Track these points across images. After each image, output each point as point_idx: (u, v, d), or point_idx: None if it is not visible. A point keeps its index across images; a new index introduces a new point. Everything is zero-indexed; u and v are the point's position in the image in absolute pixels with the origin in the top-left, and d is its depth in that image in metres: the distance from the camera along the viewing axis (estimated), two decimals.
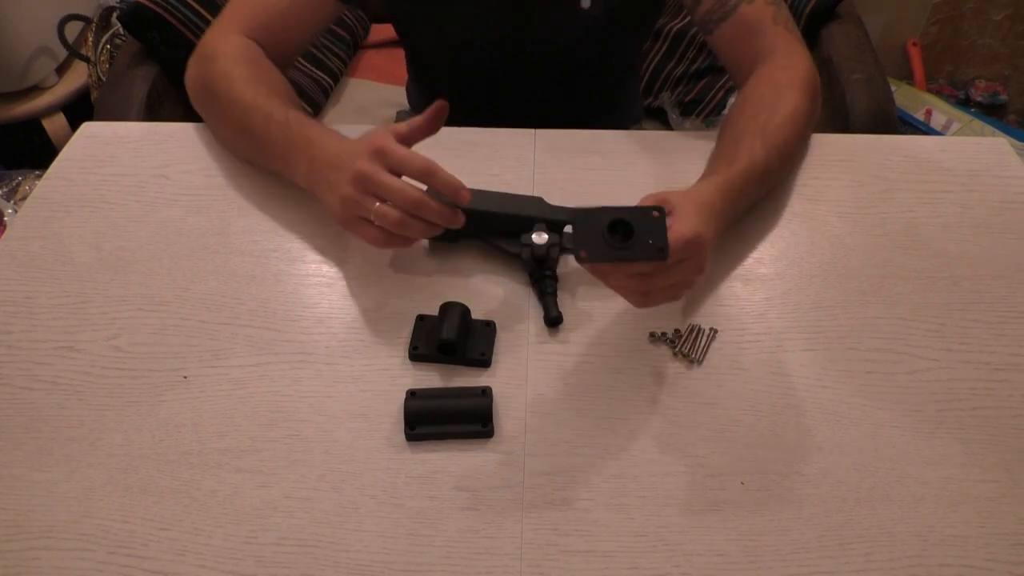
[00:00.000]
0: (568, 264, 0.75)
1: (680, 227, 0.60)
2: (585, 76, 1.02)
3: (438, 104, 0.69)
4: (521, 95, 1.01)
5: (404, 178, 0.66)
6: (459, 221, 0.67)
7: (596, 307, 0.71)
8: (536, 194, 0.80)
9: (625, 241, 0.57)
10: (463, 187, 0.65)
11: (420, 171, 0.65)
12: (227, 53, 0.82)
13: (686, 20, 1.42)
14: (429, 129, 0.69)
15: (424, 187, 0.66)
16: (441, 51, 1.00)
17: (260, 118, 0.77)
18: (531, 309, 0.72)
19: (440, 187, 0.65)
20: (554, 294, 0.70)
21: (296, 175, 0.75)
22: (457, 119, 0.93)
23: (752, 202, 0.76)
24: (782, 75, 0.80)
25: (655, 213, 0.57)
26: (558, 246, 0.71)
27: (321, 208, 0.80)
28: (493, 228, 0.74)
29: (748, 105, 0.78)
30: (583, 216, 0.57)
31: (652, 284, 0.61)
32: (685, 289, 0.65)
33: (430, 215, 0.66)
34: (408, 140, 0.68)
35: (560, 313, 0.69)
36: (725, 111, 1.39)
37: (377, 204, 0.65)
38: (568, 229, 0.74)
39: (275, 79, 0.82)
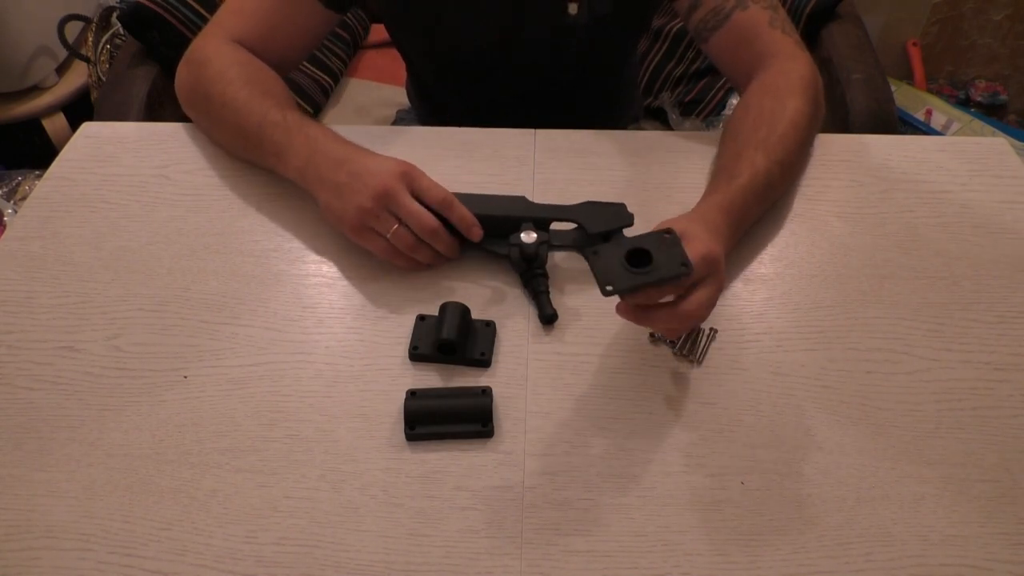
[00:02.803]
0: (557, 260, 0.75)
1: (694, 247, 0.59)
2: (578, 79, 1.01)
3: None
4: (516, 97, 1.01)
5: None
6: (456, 255, 0.74)
7: (589, 302, 0.71)
8: (534, 194, 0.80)
9: (645, 267, 0.56)
10: (476, 224, 0.71)
11: (440, 202, 0.70)
12: (220, 57, 0.82)
13: None
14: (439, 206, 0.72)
15: None
16: (431, 56, 1.00)
17: (255, 118, 0.77)
18: (531, 309, 0.72)
19: (456, 220, 0.71)
20: (547, 292, 0.71)
21: (289, 168, 0.76)
22: (456, 119, 0.93)
23: (756, 217, 0.75)
24: (782, 81, 0.79)
25: (666, 235, 0.57)
26: (546, 244, 0.71)
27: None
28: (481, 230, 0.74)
29: (749, 117, 0.77)
30: (597, 250, 0.57)
31: (687, 313, 0.60)
32: (710, 310, 0.64)
33: (440, 246, 0.71)
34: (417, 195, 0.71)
35: (555, 311, 0.70)
36: (725, 111, 1.39)
37: (395, 226, 0.70)
38: (554, 226, 0.74)
39: (269, 79, 0.82)
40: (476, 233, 0.72)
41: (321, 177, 0.72)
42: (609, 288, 0.56)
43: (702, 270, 0.59)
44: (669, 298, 0.60)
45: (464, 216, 0.71)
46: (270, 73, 0.83)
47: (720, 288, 0.62)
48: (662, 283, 0.57)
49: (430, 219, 0.70)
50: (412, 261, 0.73)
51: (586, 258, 0.57)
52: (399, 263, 0.73)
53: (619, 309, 0.60)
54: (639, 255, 0.57)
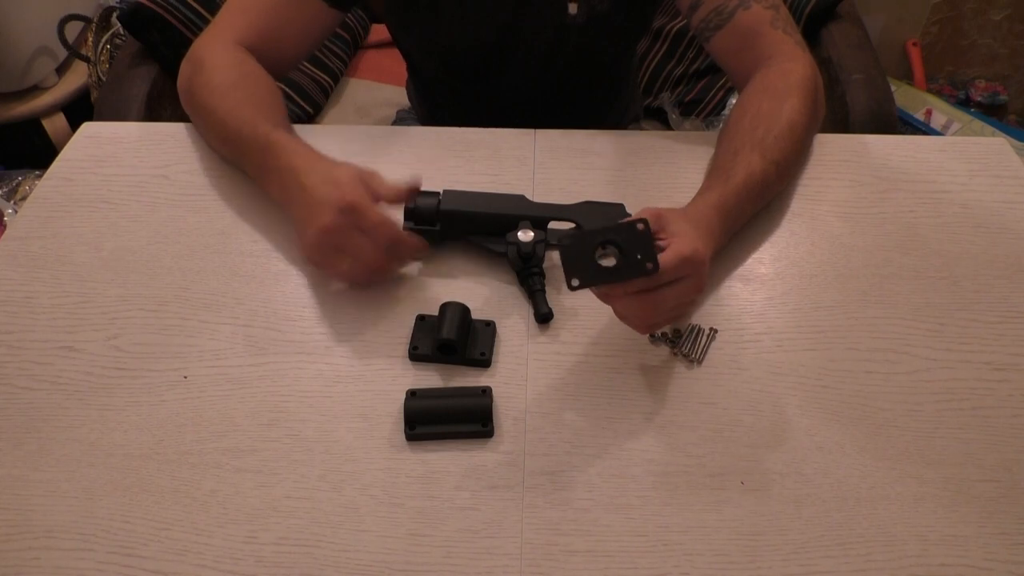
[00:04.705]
0: (556, 259, 0.75)
1: (678, 245, 0.59)
2: (578, 78, 1.01)
3: (414, 185, 0.73)
4: (516, 97, 1.01)
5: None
6: (424, 248, 0.72)
7: (589, 302, 0.71)
8: (534, 194, 0.80)
9: (615, 259, 0.57)
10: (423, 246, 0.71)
11: (387, 240, 0.67)
12: (213, 62, 0.81)
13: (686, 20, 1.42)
14: (400, 200, 0.72)
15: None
16: (432, 55, 1.00)
17: (234, 131, 0.77)
18: (531, 309, 0.72)
19: (403, 253, 0.70)
20: (543, 290, 0.71)
21: (270, 193, 0.75)
22: (456, 119, 0.93)
23: (749, 216, 0.75)
24: (781, 81, 0.79)
25: (640, 226, 0.57)
26: (543, 243, 0.72)
27: None
28: (478, 228, 0.74)
29: (746, 116, 0.77)
30: (569, 243, 0.57)
31: (652, 306, 0.60)
32: (686, 309, 0.64)
33: (381, 277, 0.71)
34: (378, 197, 0.69)
35: (550, 309, 0.70)
36: (725, 111, 1.39)
37: (343, 266, 0.68)
38: (552, 225, 0.74)
39: (258, 88, 0.81)
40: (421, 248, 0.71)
41: (289, 200, 0.71)
42: (575, 283, 0.57)
43: (682, 270, 0.59)
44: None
45: (413, 249, 0.70)
46: (262, 82, 0.82)
47: (699, 289, 0.62)
48: (625, 281, 0.58)
49: (373, 258, 0.68)
50: (376, 277, 0.71)
51: (559, 247, 0.58)
52: (363, 280, 0.71)
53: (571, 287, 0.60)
54: (609, 246, 0.57)
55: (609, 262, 0.57)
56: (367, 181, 0.69)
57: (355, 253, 0.68)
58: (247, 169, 0.79)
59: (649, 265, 0.57)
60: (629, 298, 0.60)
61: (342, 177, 0.68)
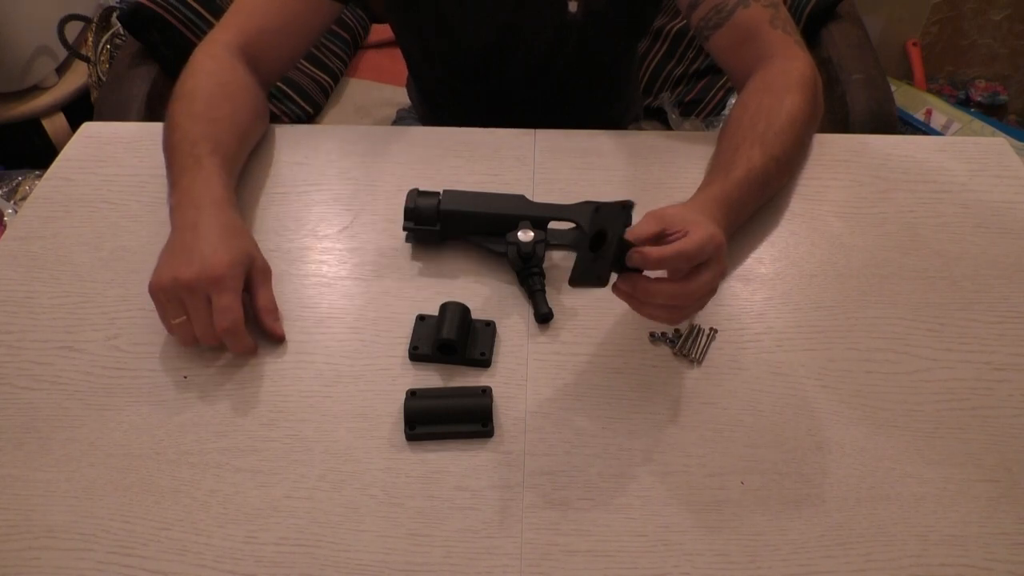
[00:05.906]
0: (556, 259, 0.75)
1: (694, 231, 0.59)
2: (578, 78, 1.01)
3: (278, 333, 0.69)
4: (516, 96, 1.01)
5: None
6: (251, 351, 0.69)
7: (589, 302, 0.71)
8: (534, 194, 0.80)
9: (604, 246, 0.57)
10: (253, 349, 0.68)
11: (226, 326, 0.64)
12: (200, 66, 0.80)
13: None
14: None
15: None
16: (432, 55, 1.00)
17: (177, 139, 0.75)
18: (531, 309, 0.72)
19: (232, 345, 0.67)
20: (543, 290, 0.71)
21: (169, 205, 0.72)
22: (456, 119, 0.93)
23: (752, 212, 0.75)
24: (781, 79, 0.79)
25: (593, 207, 0.56)
26: (543, 243, 0.72)
27: (321, 209, 0.81)
28: (478, 228, 0.74)
29: (746, 113, 0.77)
30: (575, 272, 0.56)
31: (683, 294, 0.60)
32: (710, 296, 0.64)
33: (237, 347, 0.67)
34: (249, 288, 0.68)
35: (550, 309, 0.70)
36: (725, 111, 1.39)
37: (181, 318, 0.65)
38: (552, 225, 0.74)
39: (226, 104, 0.79)
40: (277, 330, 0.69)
41: (173, 220, 0.70)
42: (603, 284, 0.57)
43: (705, 250, 0.59)
44: (659, 274, 0.60)
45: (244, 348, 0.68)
46: (234, 96, 0.80)
47: (723, 272, 0.62)
48: (618, 249, 0.57)
49: (204, 336, 0.65)
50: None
51: (571, 280, 0.57)
52: (183, 343, 0.68)
53: (615, 290, 0.60)
54: (599, 237, 0.57)
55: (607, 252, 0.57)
56: (252, 267, 0.68)
57: (192, 317, 0.65)
58: (168, 176, 0.74)
59: (623, 209, 0.56)
60: (660, 287, 0.60)
61: (233, 250, 0.66)
